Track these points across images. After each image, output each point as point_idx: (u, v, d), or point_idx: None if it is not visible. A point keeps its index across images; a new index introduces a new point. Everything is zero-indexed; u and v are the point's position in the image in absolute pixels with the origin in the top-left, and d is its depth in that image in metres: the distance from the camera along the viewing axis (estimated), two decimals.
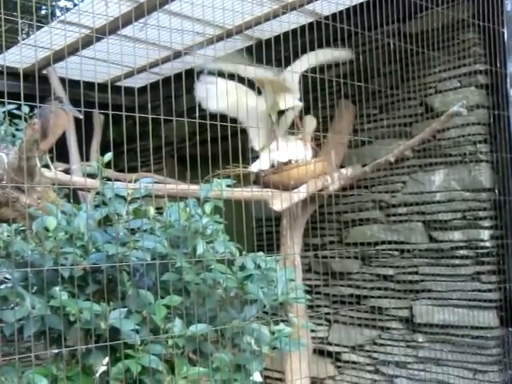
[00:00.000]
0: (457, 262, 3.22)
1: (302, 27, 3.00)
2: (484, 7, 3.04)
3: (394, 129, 3.43)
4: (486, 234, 3.12)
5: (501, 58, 3.10)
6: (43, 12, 7.35)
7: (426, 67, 3.32)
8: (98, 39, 3.10)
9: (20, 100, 1.66)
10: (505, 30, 3.07)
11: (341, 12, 3.23)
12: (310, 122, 3.42)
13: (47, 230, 1.73)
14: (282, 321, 2.00)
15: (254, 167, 3.38)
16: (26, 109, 2.81)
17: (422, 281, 3.36)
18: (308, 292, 3.59)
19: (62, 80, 3.97)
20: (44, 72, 4.08)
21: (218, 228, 1.95)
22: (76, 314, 1.58)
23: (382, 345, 3.54)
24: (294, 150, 3.29)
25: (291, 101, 3.18)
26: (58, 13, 8.25)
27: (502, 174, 3.13)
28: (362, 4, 3.25)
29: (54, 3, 8.05)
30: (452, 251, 3.24)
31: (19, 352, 1.54)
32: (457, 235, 3.21)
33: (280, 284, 1.96)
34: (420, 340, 3.37)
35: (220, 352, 1.81)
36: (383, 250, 3.51)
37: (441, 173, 3.29)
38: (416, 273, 3.40)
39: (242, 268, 1.96)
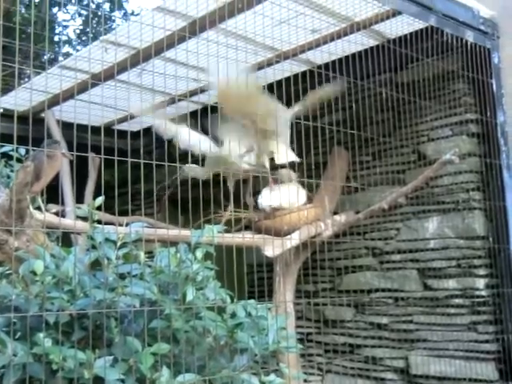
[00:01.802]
0: (452, 311, 3.16)
1: (296, 75, 3.07)
2: (473, 59, 3.14)
3: (387, 176, 3.45)
4: (481, 283, 3.08)
5: (491, 107, 3.17)
6: (46, 56, 7.52)
7: (418, 116, 3.38)
8: (95, 84, 3.16)
9: (20, 141, 1.67)
10: (493, 82, 3.16)
11: (333, 61, 3.32)
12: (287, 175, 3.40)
13: (34, 273, 1.70)
14: (273, 370, 1.94)
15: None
16: (22, 150, 2.82)
17: (417, 330, 3.29)
18: (300, 340, 3.51)
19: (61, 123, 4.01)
20: (42, 115, 4.13)
21: (209, 274, 1.92)
22: (59, 362, 1.53)
23: None
24: (286, 194, 3.28)
25: (285, 156, 3.16)
26: (60, 57, 8.45)
27: (496, 222, 3.13)
28: (354, 54, 3.35)
29: (56, 49, 8.26)
30: (447, 300, 3.19)
31: None
32: (451, 283, 3.17)
33: (271, 332, 1.91)
34: None
35: None
36: (377, 297, 3.46)
37: (434, 220, 3.29)
38: (411, 321, 3.33)
39: (233, 316, 1.92)
